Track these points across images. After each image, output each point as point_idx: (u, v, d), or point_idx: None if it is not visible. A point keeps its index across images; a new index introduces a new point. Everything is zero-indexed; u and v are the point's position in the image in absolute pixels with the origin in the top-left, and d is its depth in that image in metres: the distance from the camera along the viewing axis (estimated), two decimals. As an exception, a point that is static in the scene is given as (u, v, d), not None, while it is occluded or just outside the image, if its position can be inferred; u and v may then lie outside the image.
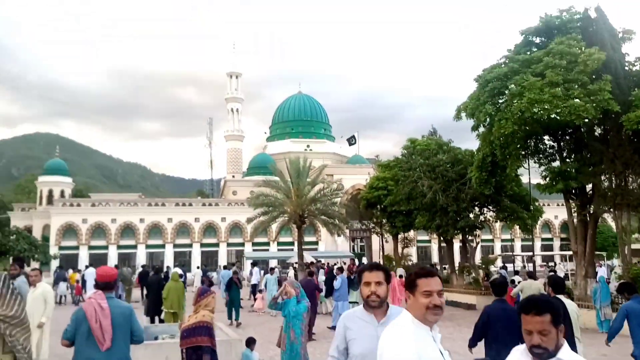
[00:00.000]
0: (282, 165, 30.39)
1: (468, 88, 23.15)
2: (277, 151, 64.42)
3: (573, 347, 6.64)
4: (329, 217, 27.76)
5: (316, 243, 51.88)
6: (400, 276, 19.19)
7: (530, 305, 2.33)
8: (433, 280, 2.51)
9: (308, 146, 67.05)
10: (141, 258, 47.12)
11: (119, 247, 48.19)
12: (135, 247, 48.62)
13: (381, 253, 35.67)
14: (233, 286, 16.79)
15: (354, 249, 54.92)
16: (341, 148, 71.51)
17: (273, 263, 43.87)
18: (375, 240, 41.88)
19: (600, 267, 24.15)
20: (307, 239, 41.89)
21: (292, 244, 48.06)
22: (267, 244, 51.18)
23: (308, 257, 31.81)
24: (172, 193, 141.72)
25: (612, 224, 44.32)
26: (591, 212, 17.90)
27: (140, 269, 26.27)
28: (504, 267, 27.28)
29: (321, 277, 20.67)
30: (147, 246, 49.09)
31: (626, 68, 16.79)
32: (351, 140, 69.46)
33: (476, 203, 23.66)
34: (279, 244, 51.30)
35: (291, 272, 29.47)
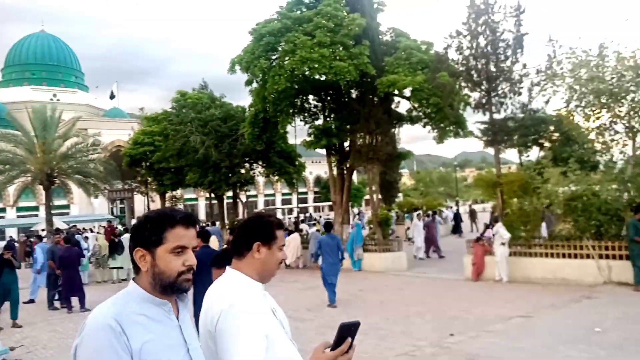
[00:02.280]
0: (21, 115, 25.38)
1: (239, 45, 22.70)
2: (13, 99, 53.72)
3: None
4: (85, 177, 24.49)
5: (68, 207, 45.91)
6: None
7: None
8: (280, 233, 2.15)
9: (55, 95, 57.83)
10: None
11: None
12: None
13: (147, 213, 33.56)
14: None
15: (112, 211, 50.61)
16: (97, 100, 63.99)
17: (12, 232, 37.23)
18: (139, 200, 39.22)
19: (362, 215, 27.29)
20: (56, 202, 36.57)
21: (36, 208, 41.51)
22: (3, 210, 43.12)
23: (59, 223, 27.72)
24: None
25: (354, 177, 51.18)
26: (348, 166, 19.91)
27: None
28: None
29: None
30: None
31: (380, 37, 18.78)
32: (112, 94, 62.46)
33: (247, 159, 23.97)
34: (18, 209, 43.69)
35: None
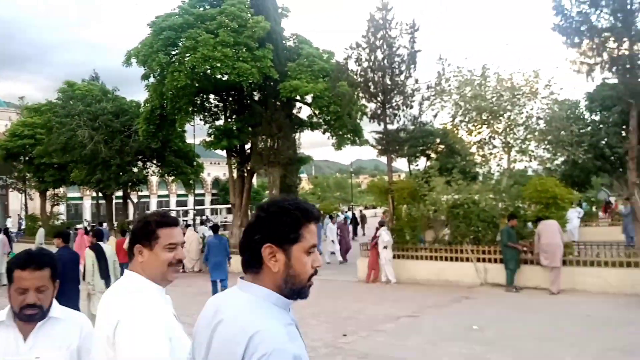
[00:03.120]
0: None
1: (135, 38, 21.58)
2: None
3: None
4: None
5: None
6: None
7: (27, 260, 1.99)
8: (176, 231, 2.02)
9: None
10: None
11: None
12: None
13: (24, 213, 30.48)
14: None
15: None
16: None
17: None
18: (15, 198, 35.50)
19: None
20: None
21: None
22: None
23: None
24: None
25: (254, 180, 50.87)
26: (248, 168, 19.76)
27: None
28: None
29: None
30: None
31: (283, 42, 18.94)
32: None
33: (140, 157, 22.80)
34: None
35: None
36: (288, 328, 1.35)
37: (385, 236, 12.80)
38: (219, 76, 16.93)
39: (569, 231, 15.83)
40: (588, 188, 25.28)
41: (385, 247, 12.81)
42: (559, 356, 6.36)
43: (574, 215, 14.85)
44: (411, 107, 14.85)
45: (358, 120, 19.06)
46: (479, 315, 8.93)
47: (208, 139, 19.34)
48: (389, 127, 14.94)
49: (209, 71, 16.28)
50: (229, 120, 19.48)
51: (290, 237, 1.41)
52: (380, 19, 14.35)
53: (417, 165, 22.07)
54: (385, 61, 14.45)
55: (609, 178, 25.57)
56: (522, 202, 12.65)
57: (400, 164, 21.28)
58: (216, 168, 64.54)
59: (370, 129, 16.35)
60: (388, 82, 14.54)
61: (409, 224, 13.87)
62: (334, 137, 19.61)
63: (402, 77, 14.55)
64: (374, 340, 7.47)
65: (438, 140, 20.07)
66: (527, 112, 13.77)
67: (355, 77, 15.08)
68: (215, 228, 12.42)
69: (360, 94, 15.39)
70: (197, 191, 63.29)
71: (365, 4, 15.52)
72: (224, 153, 20.67)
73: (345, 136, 19.46)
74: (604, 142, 19.20)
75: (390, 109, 14.83)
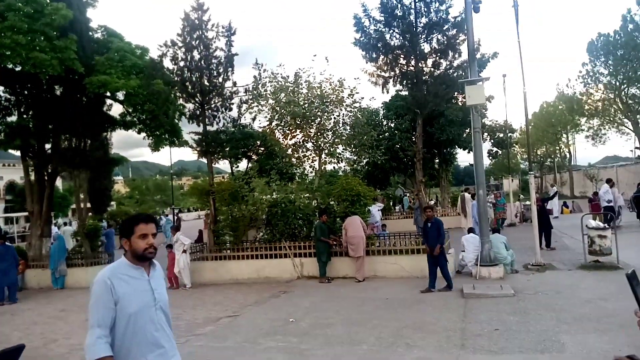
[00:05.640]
0: None
1: None
2: None
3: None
4: None
5: None
6: None
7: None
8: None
9: None
10: None
11: None
12: None
13: None
14: None
15: None
16: None
17: None
18: None
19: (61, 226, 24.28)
20: None
21: None
22: None
23: None
24: None
25: (59, 184, 45.66)
26: (50, 171, 17.64)
27: None
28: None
29: None
30: None
31: (90, 33, 17.35)
32: None
33: None
34: None
35: None
36: (118, 271, 2.78)
37: (184, 239, 12.86)
38: (10, 66, 14.77)
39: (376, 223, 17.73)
40: (387, 186, 28.69)
41: (184, 251, 12.79)
42: (364, 338, 7.14)
43: (375, 209, 16.68)
44: (230, 109, 15.03)
45: (176, 121, 18.45)
46: (295, 307, 9.49)
47: (-3, 138, 16.74)
48: (209, 128, 14.89)
49: (-3, 59, 14.09)
50: (24, 116, 17.12)
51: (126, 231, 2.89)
52: (196, 19, 14.20)
53: (239, 166, 22.29)
54: (203, 62, 14.35)
55: (403, 177, 29.46)
56: (332, 200, 13.79)
57: (223, 165, 21.30)
58: (11, 171, 56.04)
59: (190, 129, 16.07)
60: (206, 83, 14.47)
61: (230, 224, 14.02)
62: (151, 137, 18.65)
63: (220, 79, 14.63)
64: (191, 345, 7.41)
65: (258, 143, 20.60)
66: (334, 118, 15.06)
67: (171, 75, 14.66)
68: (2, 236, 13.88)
69: (178, 94, 15.02)
70: (-15, 198, 54.05)
71: (182, 1, 15.16)
72: (19, 154, 18.09)
73: (162, 136, 18.66)
74: (398, 146, 22.01)
75: (210, 110, 14.79)
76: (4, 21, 13.67)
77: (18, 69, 15.10)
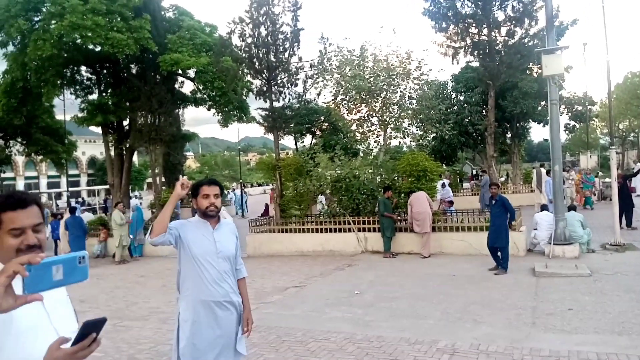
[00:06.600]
0: None
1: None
2: None
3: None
4: None
5: None
6: None
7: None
8: (23, 213, 1.73)
9: None
10: None
11: None
12: None
13: None
14: None
15: None
16: None
17: None
18: None
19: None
20: None
21: None
22: None
23: None
24: None
25: (135, 159, 48.31)
26: (127, 146, 18.73)
27: None
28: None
29: None
30: None
31: (162, 12, 18.01)
32: None
33: (2, 135, 20.45)
34: None
35: None
36: (190, 221, 3.43)
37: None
38: (90, 47, 15.70)
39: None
40: (455, 162, 27.91)
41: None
42: (429, 312, 7.11)
43: (439, 186, 16.32)
44: (296, 85, 15.13)
45: (244, 97, 18.89)
46: (360, 280, 9.59)
47: (80, 115, 17.93)
48: (275, 104, 15.10)
49: (79, 41, 15.03)
50: (104, 94, 18.21)
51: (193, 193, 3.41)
52: (263, -5, 14.28)
53: (303, 142, 22.55)
54: (269, 38, 14.47)
55: (472, 152, 28.50)
56: (397, 175, 13.63)
57: (288, 141, 21.66)
58: (92, 146, 59.91)
59: (256, 106, 16.40)
60: (273, 59, 14.61)
61: (295, 199, 14.28)
62: (220, 114, 19.26)
63: (287, 54, 14.71)
64: (261, 312, 7.70)
65: (322, 118, 20.69)
66: (401, 91, 14.75)
67: (239, 52, 14.92)
68: (72, 209, 15.54)
69: (245, 70, 15.29)
70: (71, 171, 58.36)
71: (248, -22, 15.29)
72: (99, 130, 19.31)
73: (231, 113, 19.22)
74: (467, 120, 21.26)
75: (276, 87, 14.96)
76: (85, 4, 14.48)
77: (98, 49, 15.97)
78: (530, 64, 20.10)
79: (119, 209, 14.44)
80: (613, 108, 37.05)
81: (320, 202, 14.16)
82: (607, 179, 21.29)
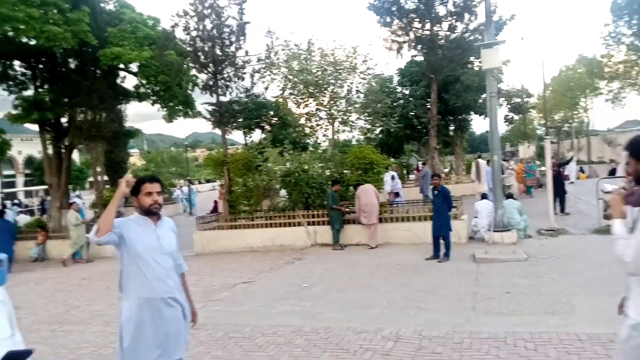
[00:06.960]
0: None
1: None
2: None
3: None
4: None
5: None
6: None
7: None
8: None
9: None
10: None
11: None
12: None
13: None
14: None
15: None
16: None
17: None
18: None
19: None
20: None
21: None
22: None
23: None
24: None
25: (76, 157, 46.38)
26: (67, 144, 17.93)
27: None
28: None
29: None
30: None
31: (102, 5, 17.31)
32: None
33: None
34: None
35: None
36: (131, 218, 3.41)
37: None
38: (24, 40, 14.87)
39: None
40: (401, 154, 28.54)
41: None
42: (376, 302, 7.28)
43: (388, 178, 16.67)
44: (243, 79, 14.99)
45: (189, 92, 18.50)
46: (309, 273, 9.67)
47: (14, 112, 16.99)
48: (222, 99, 14.90)
49: (10, 34, 14.20)
50: (40, 90, 17.32)
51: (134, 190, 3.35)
52: (207, -13, 14.03)
53: (252, 137, 22.35)
54: (215, 31, 14.26)
55: (418, 145, 29.25)
56: (345, 169, 13.82)
57: (237, 136, 21.38)
58: (29, 145, 56.88)
59: (203, 100, 16.12)
60: (218, 52, 14.41)
61: (244, 194, 14.19)
62: (165, 109, 18.78)
63: (233, 48, 14.54)
64: (209, 310, 7.63)
65: (271, 113, 20.59)
66: (348, 85, 14.94)
67: (184, 46, 14.62)
68: (0, 212, 14.94)
69: (190, 64, 15.00)
70: (6, 172, 55.12)
71: (191, -30, 14.95)
72: (37, 127, 18.38)
73: (176, 108, 18.77)
74: (412, 114, 21.77)
75: (222, 81, 14.77)
76: (15, -6, 13.68)
77: (32, 43, 15.16)
78: (471, 57, 20.80)
79: (73, 209, 13.94)
80: (548, 100, 38.97)
81: (284, 196, 14.16)
82: (542, 168, 22.42)
